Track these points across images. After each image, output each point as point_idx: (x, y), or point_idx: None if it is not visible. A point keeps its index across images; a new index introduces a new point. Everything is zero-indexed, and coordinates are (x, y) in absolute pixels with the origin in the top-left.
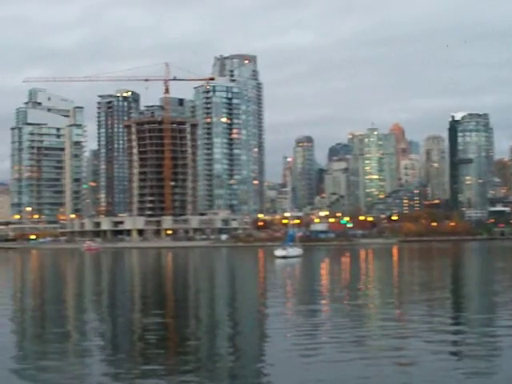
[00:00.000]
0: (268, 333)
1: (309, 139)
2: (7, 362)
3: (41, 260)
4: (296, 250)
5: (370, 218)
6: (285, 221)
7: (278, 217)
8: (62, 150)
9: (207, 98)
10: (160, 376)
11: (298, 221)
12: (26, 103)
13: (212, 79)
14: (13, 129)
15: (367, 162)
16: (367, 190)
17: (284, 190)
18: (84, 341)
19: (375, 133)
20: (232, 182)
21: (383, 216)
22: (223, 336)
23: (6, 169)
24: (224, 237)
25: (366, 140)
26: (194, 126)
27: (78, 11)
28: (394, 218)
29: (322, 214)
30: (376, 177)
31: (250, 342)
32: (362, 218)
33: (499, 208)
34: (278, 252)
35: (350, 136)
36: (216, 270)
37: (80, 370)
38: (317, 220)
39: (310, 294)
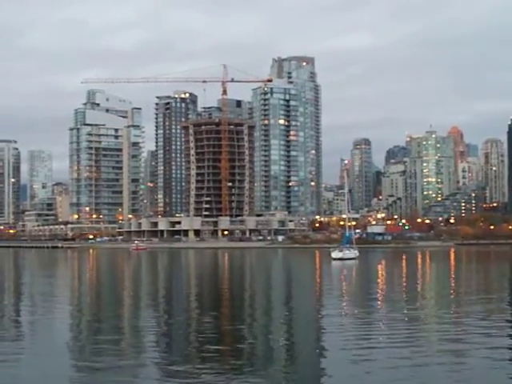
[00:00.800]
0: (323, 338)
1: (366, 141)
2: (66, 360)
3: (98, 259)
4: (352, 252)
5: (427, 221)
6: (341, 222)
7: (334, 218)
8: (120, 150)
9: (265, 99)
10: (214, 376)
11: (354, 223)
12: (85, 104)
13: (270, 81)
14: (71, 129)
15: (425, 164)
16: (425, 193)
17: (341, 191)
18: (139, 341)
19: (433, 135)
20: (289, 183)
21: (440, 219)
22: (277, 338)
23: (64, 169)
24: (280, 238)
25: (424, 143)
26: (251, 127)
27: (135, 13)
28: (452, 220)
29: (379, 216)
30: (433, 179)
31: (305, 345)
32: (419, 220)
33: None
34: (335, 254)
35: (408, 138)
36: (272, 271)
37: (135, 370)
38: (374, 222)
39: (366, 298)
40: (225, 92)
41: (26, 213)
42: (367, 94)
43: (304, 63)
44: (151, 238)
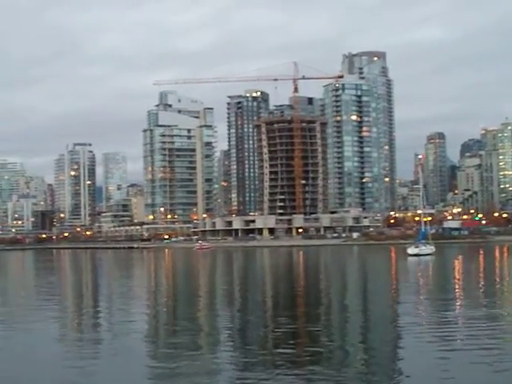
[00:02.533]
0: (400, 337)
1: (440, 135)
2: (143, 363)
3: (173, 259)
4: (429, 248)
5: (504, 215)
6: (417, 218)
7: (409, 214)
8: (194, 150)
9: (336, 96)
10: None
11: (430, 218)
12: (157, 105)
13: (341, 77)
14: (145, 131)
15: (501, 157)
16: (501, 186)
17: (416, 186)
18: (214, 338)
19: (509, 127)
20: (363, 179)
21: None
22: (354, 338)
23: (139, 170)
24: (355, 235)
25: (500, 135)
26: (323, 124)
27: (206, 14)
28: None
29: (455, 210)
30: (510, 172)
31: (382, 346)
32: (496, 214)
33: None
34: (411, 250)
35: (483, 131)
36: (347, 268)
37: (210, 374)
38: (449, 217)
39: (444, 295)
40: (296, 89)
41: (102, 214)
42: (440, 87)
43: (375, 58)
44: (226, 236)
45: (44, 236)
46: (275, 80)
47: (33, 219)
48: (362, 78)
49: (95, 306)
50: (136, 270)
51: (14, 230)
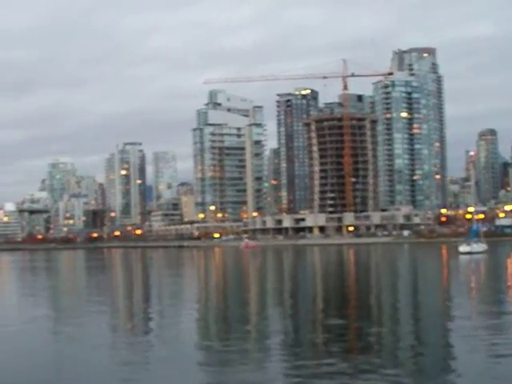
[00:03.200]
0: (451, 342)
1: (492, 132)
2: (193, 355)
3: (223, 258)
4: (480, 246)
5: None
6: (468, 216)
7: (461, 212)
8: (243, 149)
9: (386, 93)
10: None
11: (482, 215)
12: (207, 104)
13: (391, 74)
14: (194, 130)
15: None
16: None
17: (467, 184)
18: (265, 343)
19: None
20: (414, 177)
21: None
22: (406, 340)
23: (189, 169)
24: (406, 232)
25: None
26: (373, 121)
27: (254, 12)
28: None
29: (508, 208)
30: None
31: (433, 348)
32: None
33: None
34: (462, 248)
35: None
36: (398, 266)
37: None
38: (502, 214)
39: (497, 296)
40: (345, 87)
41: (153, 213)
42: (492, 83)
43: (425, 54)
44: (276, 235)
45: (95, 235)
46: (324, 78)
47: (84, 218)
48: (412, 74)
49: (145, 307)
50: (186, 269)
51: (65, 229)
